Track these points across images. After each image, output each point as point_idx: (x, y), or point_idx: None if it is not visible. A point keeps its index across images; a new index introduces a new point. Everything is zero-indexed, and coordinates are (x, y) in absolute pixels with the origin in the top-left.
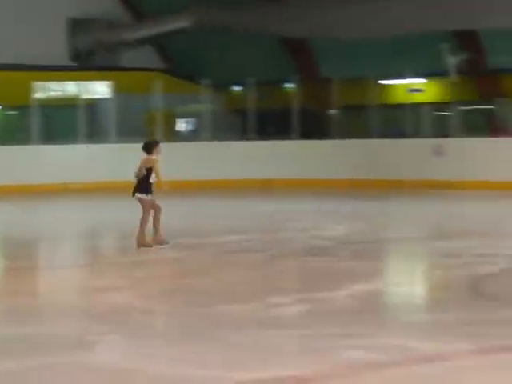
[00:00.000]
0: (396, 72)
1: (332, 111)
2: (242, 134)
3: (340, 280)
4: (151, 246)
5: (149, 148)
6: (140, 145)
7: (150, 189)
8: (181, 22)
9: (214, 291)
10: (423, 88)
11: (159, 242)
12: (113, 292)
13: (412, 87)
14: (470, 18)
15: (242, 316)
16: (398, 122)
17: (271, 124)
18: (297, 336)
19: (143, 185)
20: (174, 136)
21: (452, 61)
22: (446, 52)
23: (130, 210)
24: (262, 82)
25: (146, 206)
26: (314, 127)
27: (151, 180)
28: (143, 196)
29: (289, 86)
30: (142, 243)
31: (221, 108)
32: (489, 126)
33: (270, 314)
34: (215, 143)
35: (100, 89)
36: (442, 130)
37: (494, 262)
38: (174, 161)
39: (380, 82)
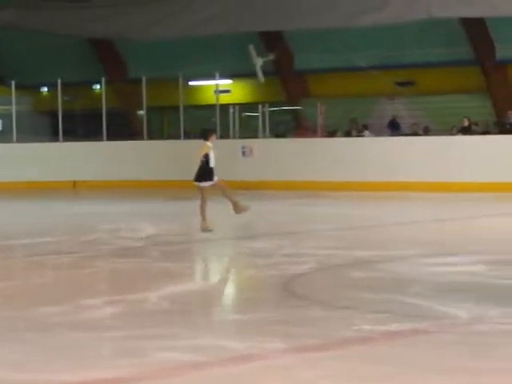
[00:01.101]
0: (204, 73)
1: (140, 112)
2: (52, 135)
3: (152, 281)
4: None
5: (205, 135)
6: None
7: (212, 174)
8: None
9: (22, 294)
10: (230, 89)
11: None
12: None
13: (219, 88)
14: (277, 20)
15: (52, 319)
16: (207, 122)
17: (80, 125)
18: (109, 338)
19: (204, 172)
20: None
21: (259, 62)
22: (252, 53)
23: None
24: (70, 83)
25: (204, 194)
26: (123, 128)
27: (211, 165)
28: (203, 183)
29: (97, 87)
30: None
31: (29, 109)
32: (295, 127)
33: (81, 317)
34: (23, 145)
35: None
36: (249, 131)
37: (302, 261)
38: None
39: (189, 82)
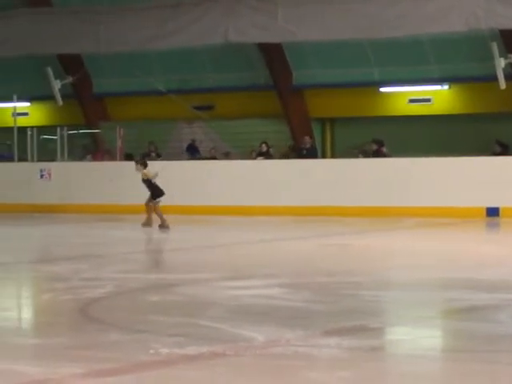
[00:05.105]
0: (1, 95)
1: None
2: None
3: None
4: None
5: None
6: None
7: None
8: None
9: None
10: (28, 111)
11: None
12: None
13: (17, 111)
14: (73, 43)
15: None
16: (4, 145)
17: None
18: None
19: None
20: None
21: (57, 85)
22: (50, 76)
23: None
24: None
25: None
26: None
27: None
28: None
29: None
30: None
31: None
32: (94, 150)
33: None
34: None
35: None
36: (48, 154)
37: (100, 285)
38: None
39: None
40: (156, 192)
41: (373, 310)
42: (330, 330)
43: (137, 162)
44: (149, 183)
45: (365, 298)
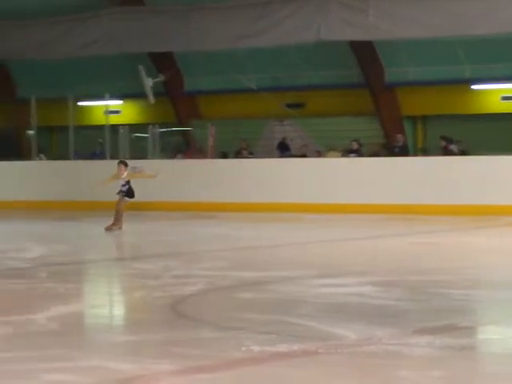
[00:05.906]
0: (95, 93)
1: (30, 132)
2: None
3: (39, 302)
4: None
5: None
6: None
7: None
8: None
9: None
10: (120, 109)
11: None
12: None
13: (109, 109)
14: (165, 41)
15: None
16: (97, 143)
17: None
18: None
19: None
20: None
21: (149, 83)
22: (142, 74)
23: None
24: None
25: None
26: (11, 148)
27: None
28: None
29: None
30: None
31: None
32: (186, 148)
33: None
34: None
35: None
36: (139, 152)
37: (191, 282)
38: None
39: (79, 103)
40: (132, 192)
41: (463, 308)
42: (421, 329)
43: (121, 163)
44: (129, 184)
45: (455, 297)
